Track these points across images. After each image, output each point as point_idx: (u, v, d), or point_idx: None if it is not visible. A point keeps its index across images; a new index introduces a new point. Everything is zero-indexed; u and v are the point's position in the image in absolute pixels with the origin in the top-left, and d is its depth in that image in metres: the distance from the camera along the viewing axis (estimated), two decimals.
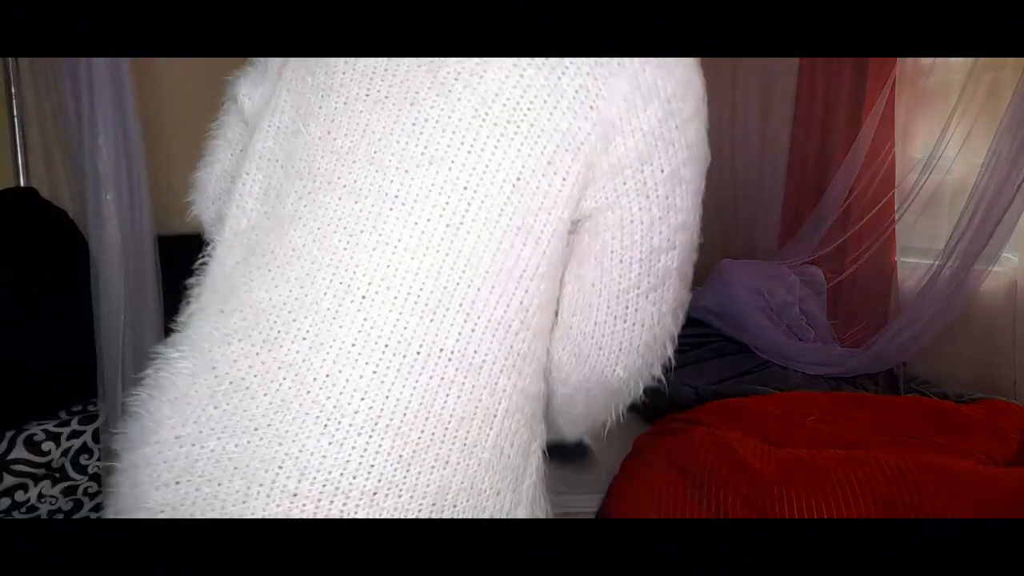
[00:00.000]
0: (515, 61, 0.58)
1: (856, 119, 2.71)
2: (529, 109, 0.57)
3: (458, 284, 0.57)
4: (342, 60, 0.64)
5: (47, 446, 1.55)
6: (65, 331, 1.63)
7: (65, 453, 1.58)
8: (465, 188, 0.58)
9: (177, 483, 0.57)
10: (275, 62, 0.72)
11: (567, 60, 0.58)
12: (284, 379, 0.57)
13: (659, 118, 0.59)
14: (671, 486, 1.41)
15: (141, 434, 0.61)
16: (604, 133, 0.58)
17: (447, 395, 0.57)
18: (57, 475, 1.57)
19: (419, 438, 0.56)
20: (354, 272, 0.58)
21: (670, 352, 0.68)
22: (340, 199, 0.61)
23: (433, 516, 0.56)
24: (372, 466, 0.54)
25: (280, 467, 0.55)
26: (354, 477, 0.54)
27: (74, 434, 1.59)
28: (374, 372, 0.56)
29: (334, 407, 0.56)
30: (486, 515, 0.58)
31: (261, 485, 0.55)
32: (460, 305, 0.57)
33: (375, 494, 0.54)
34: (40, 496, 1.54)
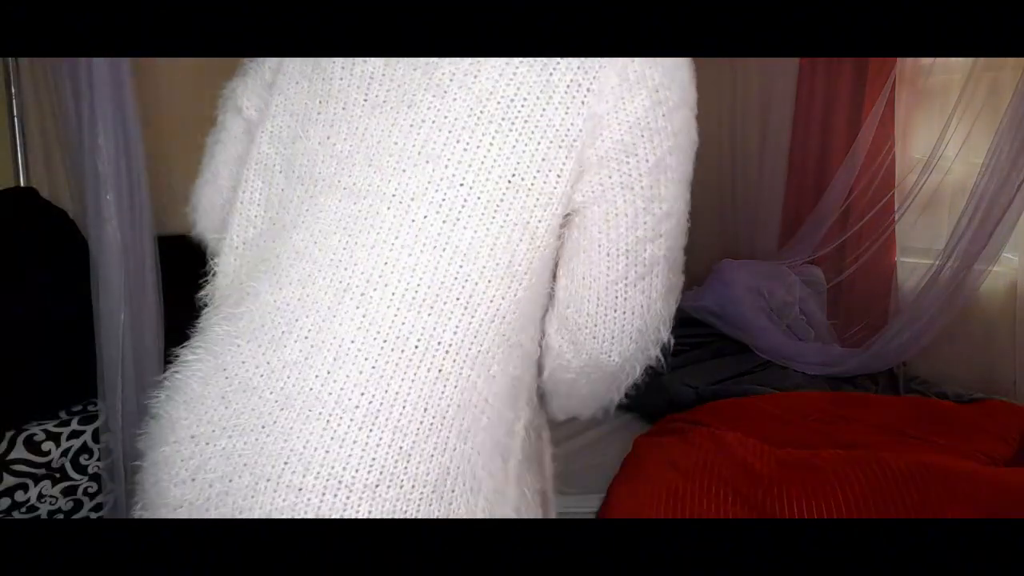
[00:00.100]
0: (508, 60, 0.59)
1: (856, 119, 2.71)
2: (523, 106, 0.58)
3: (455, 279, 0.58)
4: (339, 65, 0.65)
5: (47, 446, 1.55)
6: (65, 331, 1.62)
7: (65, 453, 1.58)
8: (461, 184, 0.58)
9: (193, 480, 0.60)
10: (267, 69, 0.73)
11: (558, 57, 0.58)
12: (288, 378, 0.59)
13: (646, 107, 0.59)
14: (671, 486, 1.41)
15: (160, 434, 0.64)
16: (593, 128, 0.59)
17: (444, 386, 0.58)
18: (57, 475, 1.57)
19: (418, 429, 0.57)
20: (352, 270, 0.60)
21: (664, 336, 0.68)
22: (340, 201, 0.62)
23: (433, 502, 0.57)
24: (373, 459, 0.56)
25: (286, 463, 0.56)
26: (356, 471, 0.56)
27: (74, 434, 1.59)
28: (373, 367, 0.57)
29: (335, 403, 0.57)
30: (481, 496, 0.60)
31: (268, 480, 0.56)
32: (458, 299, 0.58)
33: (377, 486, 0.56)
34: (40, 496, 1.54)
